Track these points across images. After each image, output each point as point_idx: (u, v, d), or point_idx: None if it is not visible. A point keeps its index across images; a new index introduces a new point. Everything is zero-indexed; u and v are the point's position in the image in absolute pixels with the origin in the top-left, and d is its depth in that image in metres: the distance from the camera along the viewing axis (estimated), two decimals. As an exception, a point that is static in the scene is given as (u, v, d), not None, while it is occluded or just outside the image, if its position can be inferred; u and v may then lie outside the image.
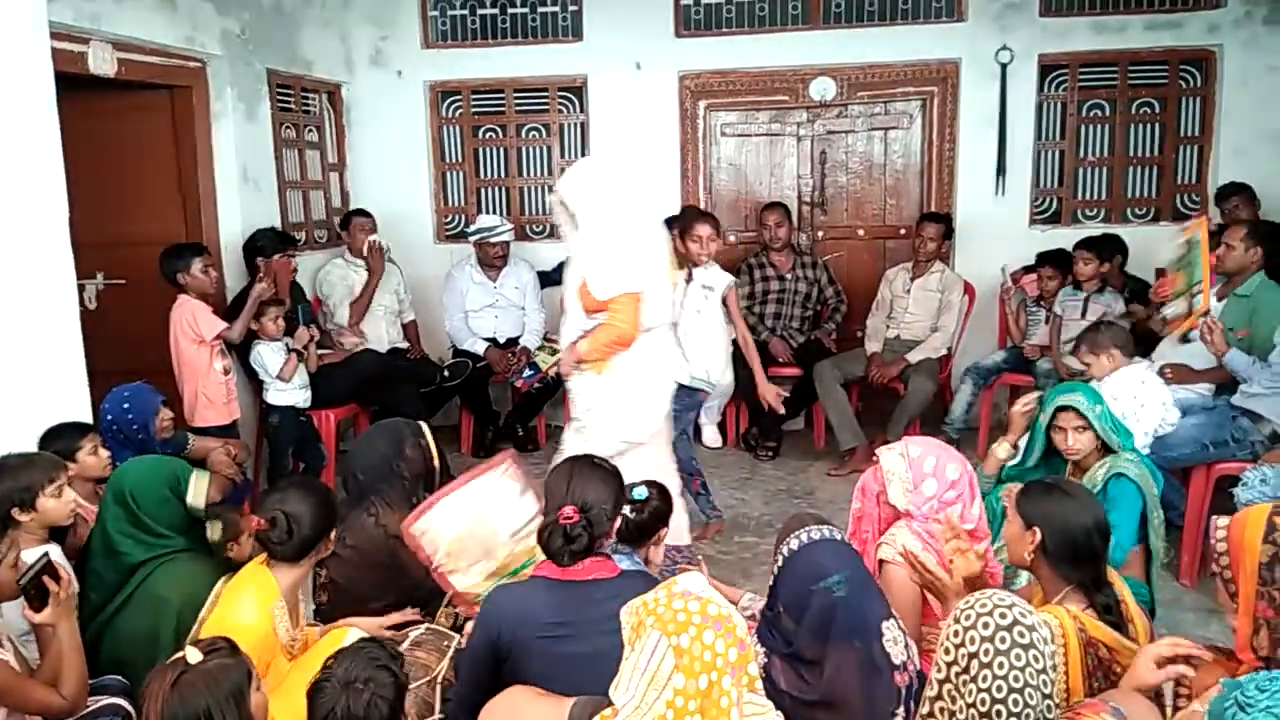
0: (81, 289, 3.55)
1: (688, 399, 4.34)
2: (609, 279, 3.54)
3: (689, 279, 4.39)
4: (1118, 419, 3.17)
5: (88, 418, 3.35)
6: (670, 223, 5.72)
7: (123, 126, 4.78)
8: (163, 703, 1.76)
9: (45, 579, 2.26)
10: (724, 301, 4.47)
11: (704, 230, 4.36)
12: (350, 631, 2.61)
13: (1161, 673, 2.02)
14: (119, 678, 2.55)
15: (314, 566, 2.90)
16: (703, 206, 6.13)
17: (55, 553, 2.56)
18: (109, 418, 3.51)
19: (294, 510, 2.52)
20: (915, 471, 2.67)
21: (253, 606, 2.46)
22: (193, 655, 1.84)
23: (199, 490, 2.80)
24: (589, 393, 3.67)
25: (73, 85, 3.83)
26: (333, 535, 2.65)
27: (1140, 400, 3.72)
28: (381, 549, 2.93)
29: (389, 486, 3.03)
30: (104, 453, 3.14)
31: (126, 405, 3.57)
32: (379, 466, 3.04)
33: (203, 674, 1.81)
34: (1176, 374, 4.15)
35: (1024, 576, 2.81)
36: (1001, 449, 3.37)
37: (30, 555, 2.35)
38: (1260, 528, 1.93)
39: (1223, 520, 2.03)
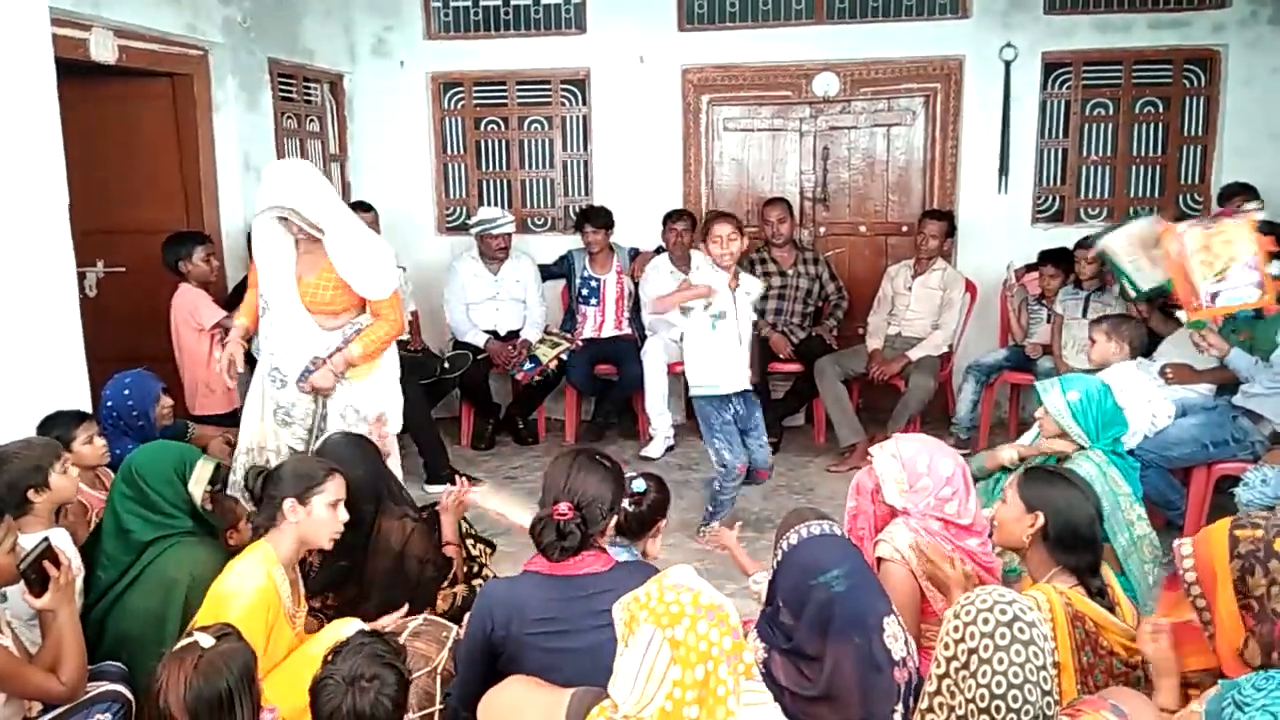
0: (82, 277, 3.55)
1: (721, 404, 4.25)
2: (380, 280, 3.54)
3: (734, 285, 4.17)
4: (1095, 417, 3.12)
5: (87, 405, 3.34)
6: (669, 218, 5.75)
7: (124, 114, 4.78)
8: (186, 684, 1.80)
9: (45, 564, 2.26)
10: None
11: (723, 229, 4.11)
12: (349, 624, 2.62)
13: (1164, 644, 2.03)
14: (118, 664, 2.56)
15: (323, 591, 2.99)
16: (704, 202, 6.15)
17: (57, 537, 2.56)
18: (109, 404, 3.51)
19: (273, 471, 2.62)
20: (910, 471, 2.66)
21: (254, 567, 2.51)
22: (205, 640, 1.88)
23: (200, 479, 2.81)
24: (354, 395, 3.63)
25: (74, 72, 3.83)
26: (291, 504, 2.61)
27: (1128, 398, 3.72)
28: (386, 559, 2.95)
29: (386, 495, 3.04)
30: (99, 442, 3.13)
31: (127, 392, 3.58)
32: (372, 484, 3.02)
33: (220, 655, 1.86)
34: (1177, 374, 4.15)
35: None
36: (1005, 453, 3.37)
37: (29, 540, 2.34)
38: (1224, 547, 1.94)
39: (1186, 547, 2.02)
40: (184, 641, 1.89)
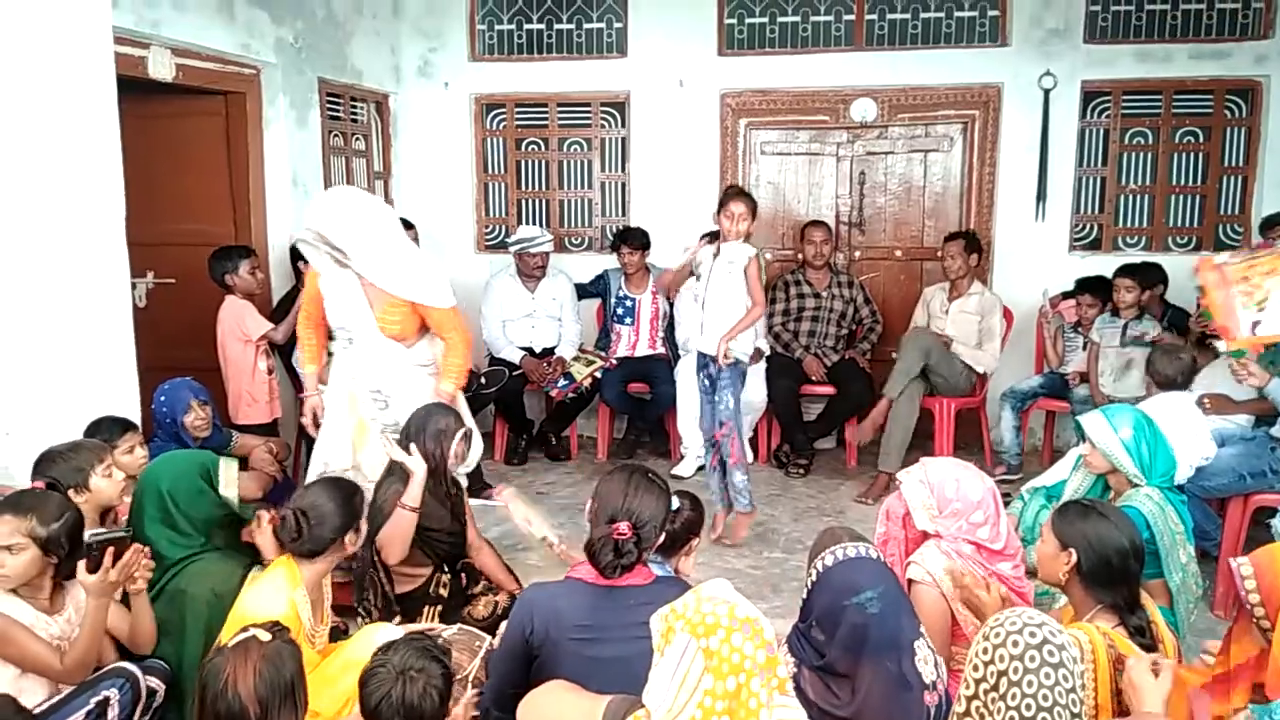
0: (132, 287, 3.63)
1: (732, 371, 4.34)
2: (431, 284, 3.62)
3: (716, 254, 4.37)
4: (1147, 454, 3.05)
5: (136, 413, 3.41)
6: (705, 240, 5.77)
7: (178, 130, 4.91)
8: (256, 673, 1.85)
9: (108, 553, 2.32)
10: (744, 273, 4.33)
11: (737, 208, 4.30)
12: (381, 629, 2.67)
13: (1161, 680, 2.01)
14: (161, 661, 2.61)
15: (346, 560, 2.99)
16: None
17: None
18: (153, 409, 3.60)
19: (311, 509, 2.61)
20: (939, 497, 2.67)
21: (275, 592, 2.54)
22: (263, 635, 1.93)
23: (229, 479, 2.87)
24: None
25: (132, 88, 3.94)
26: (351, 537, 2.69)
27: (1178, 430, 3.69)
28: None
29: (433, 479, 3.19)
30: (139, 452, 3.17)
31: (163, 398, 3.66)
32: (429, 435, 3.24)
33: (281, 648, 1.92)
34: (1215, 404, 4.12)
35: (1063, 598, 2.80)
36: None
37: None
38: None
39: (1246, 568, 2.01)
40: (240, 636, 1.94)
